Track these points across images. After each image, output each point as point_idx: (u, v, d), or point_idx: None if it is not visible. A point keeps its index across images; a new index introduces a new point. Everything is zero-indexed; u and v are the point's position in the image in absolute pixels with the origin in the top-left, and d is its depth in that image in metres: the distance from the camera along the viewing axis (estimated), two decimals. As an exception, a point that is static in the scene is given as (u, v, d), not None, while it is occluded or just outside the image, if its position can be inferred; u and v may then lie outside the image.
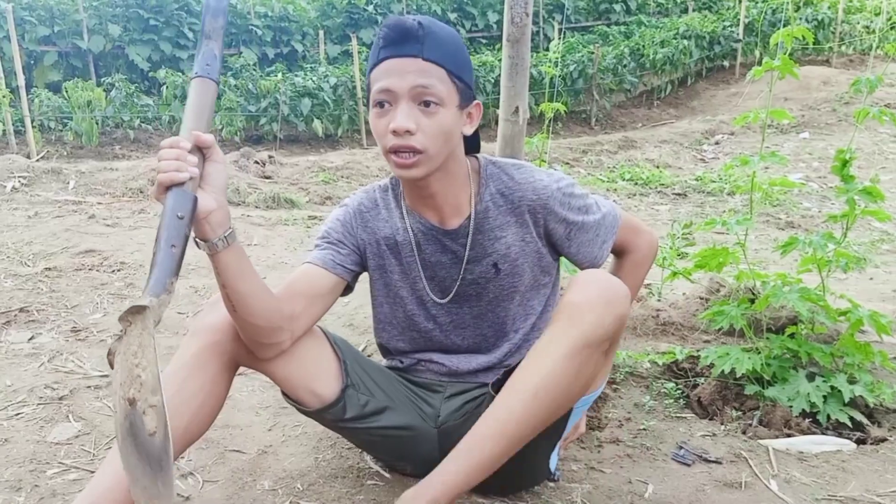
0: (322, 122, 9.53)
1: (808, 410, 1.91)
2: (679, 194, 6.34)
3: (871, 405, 1.96)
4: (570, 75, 11.12)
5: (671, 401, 2.10)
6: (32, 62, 10.14)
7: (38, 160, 7.08)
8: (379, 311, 1.62)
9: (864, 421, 1.91)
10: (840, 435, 1.87)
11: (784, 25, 2.14)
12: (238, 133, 9.26)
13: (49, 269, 3.38)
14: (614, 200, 5.74)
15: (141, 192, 5.62)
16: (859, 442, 1.86)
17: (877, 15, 13.72)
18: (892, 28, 12.68)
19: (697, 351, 2.28)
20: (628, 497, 1.59)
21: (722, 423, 1.95)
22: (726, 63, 13.23)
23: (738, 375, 1.98)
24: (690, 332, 2.68)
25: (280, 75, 9.61)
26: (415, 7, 12.83)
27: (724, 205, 5.89)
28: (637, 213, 5.69)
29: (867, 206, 2.02)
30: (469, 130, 1.45)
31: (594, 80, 11.25)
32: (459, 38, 1.43)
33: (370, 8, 12.53)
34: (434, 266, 1.53)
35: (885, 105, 8.64)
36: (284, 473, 1.70)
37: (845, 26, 13.67)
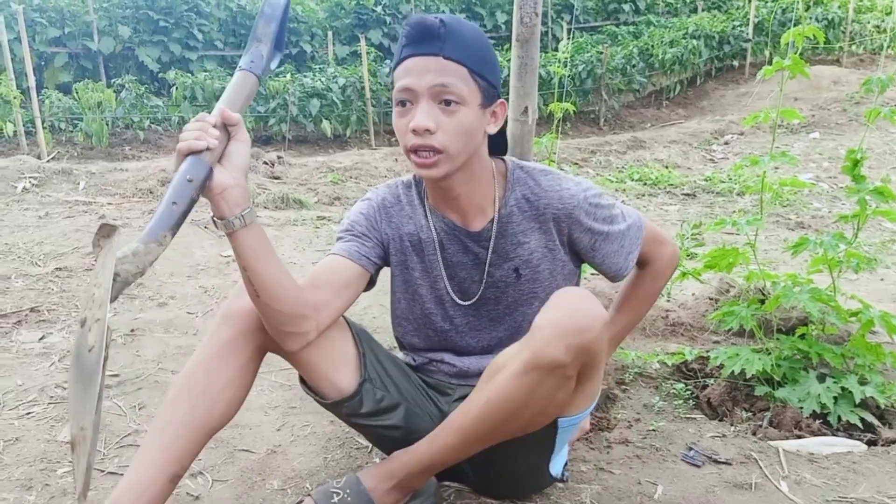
0: (331, 123, 9.55)
1: (818, 412, 1.90)
2: (688, 195, 6.32)
3: (882, 406, 1.94)
4: (579, 75, 11.09)
5: (681, 402, 2.09)
6: (43, 63, 10.20)
7: (48, 161, 7.11)
8: (397, 307, 1.61)
9: (875, 422, 1.90)
10: (851, 436, 1.87)
11: (794, 25, 2.13)
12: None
13: (60, 269, 3.40)
14: (622, 201, 5.73)
15: (151, 192, 5.64)
16: (870, 443, 1.85)
17: (888, 14, 13.65)
18: (903, 27, 12.61)
19: (707, 352, 2.27)
20: (637, 498, 1.58)
21: (732, 424, 1.94)
22: (736, 63, 13.18)
23: (748, 376, 1.97)
24: (700, 333, 2.67)
25: (289, 76, 9.62)
26: (423, 7, 12.84)
27: (733, 205, 5.86)
28: (646, 213, 5.67)
29: (878, 207, 2.01)
30: (493, 129, 1.43)
31: (603, 81, 11.23)
32: (484, 36, 1.41)
33: (378, 9, 12.55)
34: (455, 266, 1.53)
35: (897, 105, 8.59)
36: (293, 473, 1.70)
37: (856, 26, 13.60)
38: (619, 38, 13.03)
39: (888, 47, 12.00)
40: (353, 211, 1.56)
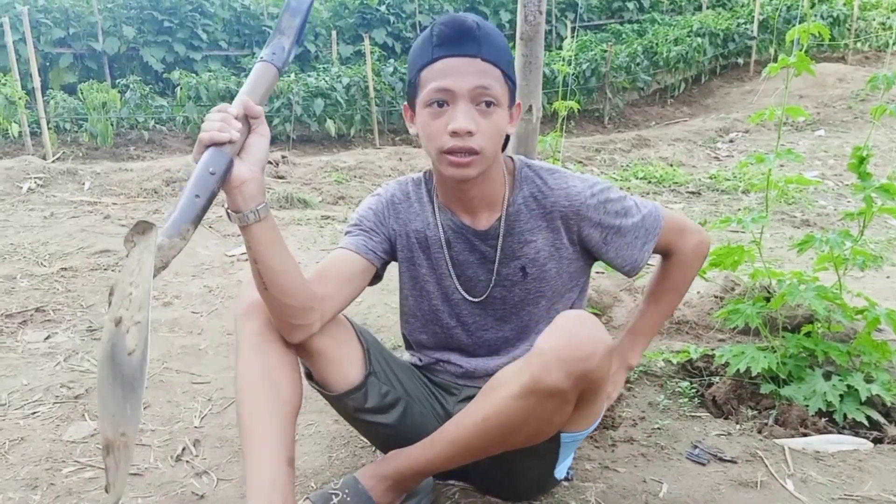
0: (335, 122, 9.55)
1: (824, 409, 1.89)
2: (693, 193, 6.30)
3: (889, 404, 1.94)
4: (583, 74, 11.08)
5: (686, 400, 2.09)
6: (48, 64, 10.23)
7: (53, 161, 7.13)
8: (405, 303, 1.62)
9: (882, 420, 1.89)
10: (857, 434, 1.86)
11: (799, 22, 2.12)
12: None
13: (65, 269, 3.41)
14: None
15: (156, 192, 5.66)
16: (876, 441, 1.84)
17: (893, 11, 13.60)
18: (908, 24, 12.57)
19: (712, 350, 2.27)
20: (643, 496, 1.58)
21: (737, 423, 1.94)
22: (741, 60, 13.14)
23: (753, 374, 1.96)
24: (705, 331, 2.67)
25: (293, 76, 9.62)
26: (427, 7, 12.84)
27: (738, 203, 5.85)
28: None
29: (884, 204, 2.01)
30: (511, 130, 1.44)
31: (607, 79, 11.20)
32: (505, 38, 1.43)
33: (382, 8, 12.55)
34: (462, 265, 1.53)
35: (902, 102, 8.56)
36: (298, 472, 1.70)
37: (861, 23, 13.55)
38: (624, 36, 13.01)
39: (894, 44, 11.96)
40: (362, 205, 1.57)
